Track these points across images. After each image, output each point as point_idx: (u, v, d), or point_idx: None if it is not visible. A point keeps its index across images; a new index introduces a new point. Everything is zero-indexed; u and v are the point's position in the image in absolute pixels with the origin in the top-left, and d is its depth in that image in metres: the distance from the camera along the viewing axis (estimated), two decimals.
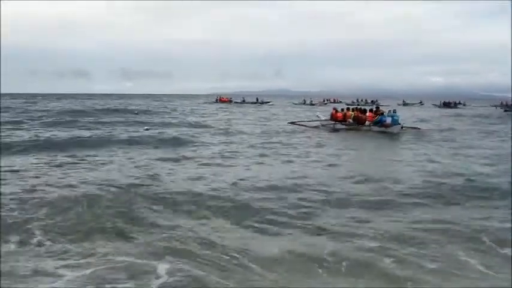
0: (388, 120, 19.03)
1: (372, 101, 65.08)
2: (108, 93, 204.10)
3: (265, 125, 24.14)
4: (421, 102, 71.38)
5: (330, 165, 10.83)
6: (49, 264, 4.53)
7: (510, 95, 68.59)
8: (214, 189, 7.78)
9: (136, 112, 20.25)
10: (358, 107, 23.10)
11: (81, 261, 4.63)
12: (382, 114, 19.74)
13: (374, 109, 20.71)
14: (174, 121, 26.20)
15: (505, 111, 46.52)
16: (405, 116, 29.39)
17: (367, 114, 20.26)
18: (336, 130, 20.08)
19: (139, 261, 4.61)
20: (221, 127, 21.63)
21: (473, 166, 10.76)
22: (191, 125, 23.07)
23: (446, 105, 68.73)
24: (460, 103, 71.71)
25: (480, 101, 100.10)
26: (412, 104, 67.21)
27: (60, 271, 4.39)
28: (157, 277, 4.30)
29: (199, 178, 8.85)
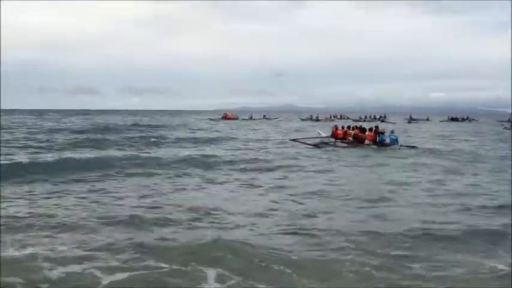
0: (387, 140, 19.66)
1: (380, 117, 64.90)
2: (117, 109, 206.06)
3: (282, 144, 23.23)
4: (427, 119, 71.40)
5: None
6: None
7: (510, 110, 68.39)
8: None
9: (154, 140, 21.01)
10: (359, 125, 23.32)
11: None
12: (382, 133, 20.09)
13: (374, 128, 20.94)
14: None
15: (505, 128, 45.83)
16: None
17: (367, 133, 20.50)
18: (338, 146, 20.32)
19: None
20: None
21: None
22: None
23: (454, 120, 68.88)
24: (467, 118, 71.81)
25: (483, 116, 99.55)
26: (418, 120, 66.82)
27: None
28: None
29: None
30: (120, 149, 18.90)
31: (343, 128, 21.93)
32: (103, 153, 17.02)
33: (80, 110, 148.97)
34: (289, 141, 22.62)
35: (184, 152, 17.41)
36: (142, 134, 28.83)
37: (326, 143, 20.93)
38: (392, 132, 20.67)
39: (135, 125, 42.06)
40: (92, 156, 15.52)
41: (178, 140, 24.46)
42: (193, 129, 37.25)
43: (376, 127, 21.25)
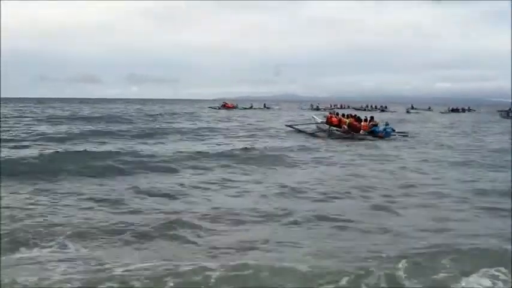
0: (382, 132, 20.06)
1: (381, 107, 65.16)
2: (118, 98, 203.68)
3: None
4: (429, 108, 71.45)
5: None
6: None
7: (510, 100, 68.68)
8: None
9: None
10: (354, 114, 23.68)
11: None
12: (377, 125, 20.47)
13: (369, 119, 21.23)
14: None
15: (503, 117, 47.45)
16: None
17: (362, 123, 20.69)
18: (333, 134, 20.34)
19: None
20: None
21: None
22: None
23: (454, 111, 68.93)
24: (468, 109, 72.03)
25: (488, 107, 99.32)
26: (419, 110, 66.84)
27: None
28: None
29: None
30: (120, 141, 18.19)
31: (337, 114, 22.20)
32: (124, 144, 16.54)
33: (83, 98, 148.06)
34: (289, 131, 22.95)
35: (185, 147, 16.40)
36: (141, 125, 27.95)
37: (323, 131, 21.10)
38: (387, 124, 20.98)
39: (139, 113, 41.99)
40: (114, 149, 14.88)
41: (179, 132, 23.10)
42: (194, 118, 37.25)
43: (372, 117, 21.52)
